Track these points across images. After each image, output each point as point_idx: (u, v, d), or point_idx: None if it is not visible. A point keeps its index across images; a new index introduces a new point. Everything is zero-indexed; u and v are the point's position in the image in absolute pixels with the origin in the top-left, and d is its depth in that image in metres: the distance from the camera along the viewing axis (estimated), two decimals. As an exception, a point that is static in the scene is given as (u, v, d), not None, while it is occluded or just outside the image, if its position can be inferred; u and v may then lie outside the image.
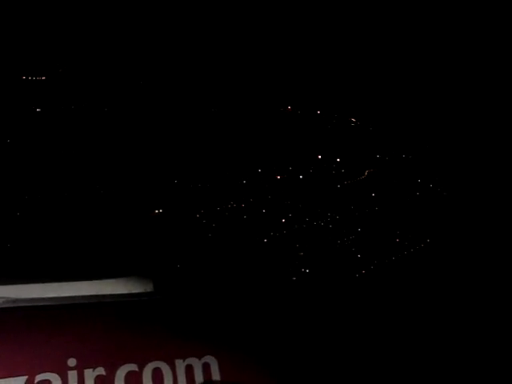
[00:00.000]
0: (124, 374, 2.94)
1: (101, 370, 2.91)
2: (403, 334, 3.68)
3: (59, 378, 2.84)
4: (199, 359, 3.07)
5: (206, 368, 3.07)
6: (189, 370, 3.04)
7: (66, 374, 2.85)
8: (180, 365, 3.03)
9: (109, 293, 3.17)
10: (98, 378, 2.89)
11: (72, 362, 2.88)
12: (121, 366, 2.94)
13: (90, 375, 2.89)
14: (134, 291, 3.24)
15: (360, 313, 3.69)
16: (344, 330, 3.54)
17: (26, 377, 2.80)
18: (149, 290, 3.28)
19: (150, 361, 2.99)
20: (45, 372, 2.83)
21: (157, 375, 2.98)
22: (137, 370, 2.96)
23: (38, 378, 2.82)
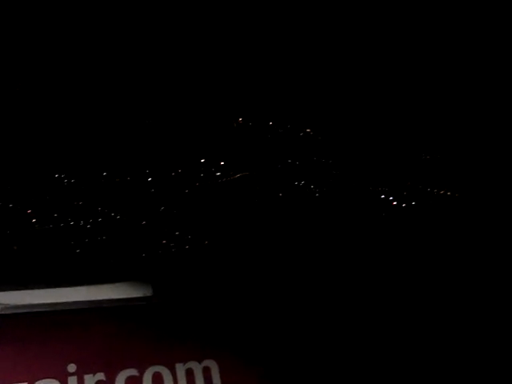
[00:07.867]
0: (124, 379, 2.93)
1: (101, 375, 2.90)
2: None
3: None
4: (199, 363, 3.07)
5: (207, 372, 3.07)
6: (189, 373, 3.04)
7: (66, 380, 2.85)
8: (180, 369, 3.03)
9: (108, 297, 3.17)
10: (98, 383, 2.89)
11: (72, 367, 2.88)
12: (121, 370, 2.94)
13: (90, 380, 2.88)
14: (133, 296, 3.24)
15: (358, 315, 3.69)
16: (344, 332, 3.54)
17: (26, 383, 2.80)
18: (148, 295, 3.28)
19: (150, 365, 2.99)
20: (45, 378, 2.82)
21: (157, 379, 2.98)
22: (137, 374, 2.96)
23: None
